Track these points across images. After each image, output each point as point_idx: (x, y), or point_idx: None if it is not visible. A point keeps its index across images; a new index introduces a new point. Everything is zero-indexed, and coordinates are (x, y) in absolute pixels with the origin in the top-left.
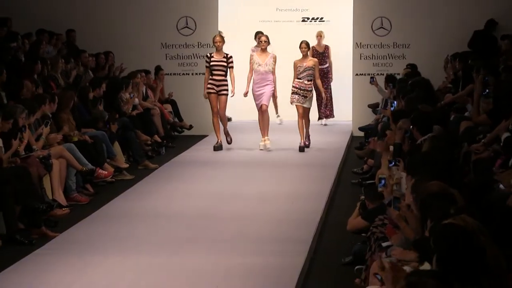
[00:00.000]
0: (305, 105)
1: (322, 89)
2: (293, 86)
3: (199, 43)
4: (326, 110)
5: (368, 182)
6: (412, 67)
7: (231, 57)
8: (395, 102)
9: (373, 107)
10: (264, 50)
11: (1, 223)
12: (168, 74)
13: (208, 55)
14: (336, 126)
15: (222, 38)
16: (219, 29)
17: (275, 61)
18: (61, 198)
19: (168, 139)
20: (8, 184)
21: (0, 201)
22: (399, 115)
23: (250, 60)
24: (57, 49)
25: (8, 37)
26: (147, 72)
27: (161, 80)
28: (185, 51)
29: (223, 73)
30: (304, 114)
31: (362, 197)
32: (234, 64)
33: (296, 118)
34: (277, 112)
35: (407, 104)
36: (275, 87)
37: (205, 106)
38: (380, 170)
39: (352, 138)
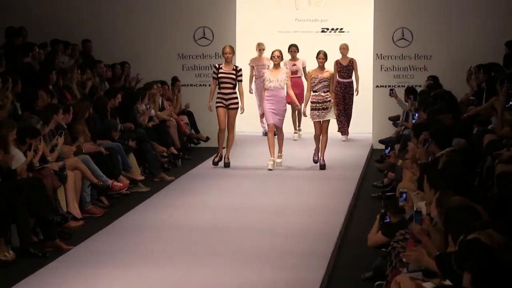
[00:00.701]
0: (326, 118)
1: (334, 105)
2: (311, 102)
3: (217, 54)
4: (343, 125)
5: (388, 194)
6: (434, 79)
7: (240, 69)
8: (417, 114)
9: (394, 119)
10: (277, 65)
11: (15, 235)
12: (184, 85)
13: (217, 66)
14: (356, 139)
15: (232, 49)
16: (237, 39)
17: (289, 77)
18: (75, 211)
19: (185, 151)
20: (22, 195)
21: (13, 213)
22: (420, 129)
23: (263, 78)
24: (73, 59)
25: (24, 47)
26: (163, 83)
27: (178, 91)
28: (202, 61)
29: (232, 85)
30: (323, 129)
31: (383, 210)
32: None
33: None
34: (297, 127)
35: (429, 117)
36: (305, 102)
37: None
38: (401, 183)
39: (372, 150)
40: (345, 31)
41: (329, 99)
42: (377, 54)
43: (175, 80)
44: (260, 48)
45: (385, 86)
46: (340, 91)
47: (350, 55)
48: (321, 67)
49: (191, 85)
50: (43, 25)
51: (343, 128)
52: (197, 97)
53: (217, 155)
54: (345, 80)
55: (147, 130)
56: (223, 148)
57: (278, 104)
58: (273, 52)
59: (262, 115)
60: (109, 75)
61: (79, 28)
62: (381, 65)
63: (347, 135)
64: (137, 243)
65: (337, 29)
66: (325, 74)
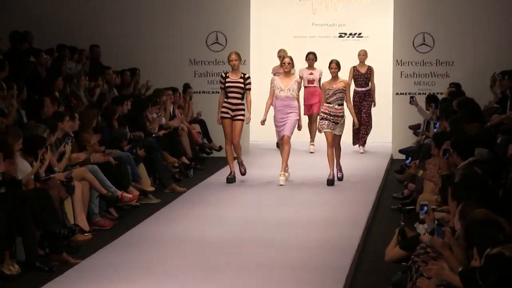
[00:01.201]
0: (335, 132)
1: (354, 115)
2: (321, 112)
3: None
4: (361, 136)
5: (408, 207)
6: (456, 86)
7: (248, 77)
8: (438, 123)
9: (414, 128)
10: (287, 73)
11: (20, 248)
12: (196, 92)
13: (223, 74)
14: (375, 148)
15: (239, 56)
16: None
17: (299, 87)
18: (83, 223)
19: (197, 161)
20: (28, 207)
21: (19, 226)
22: (441, 138)
23: (271, 84)
24: (81, 65)
25: (30, 52)
26: (174, 90)
27: (189, 99)
28: (215, 68)
29: (240, 95)
30: (334, 142)
31: (402, 223)
32: (265, 85)
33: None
34: (312, 140)
35: (451, 126)
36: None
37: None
38: (422, 195)
39: (392, 161)
40: (364, 36)
41: (341, 114)
42: (397, 60)
43: (186, 87)
44: (282, 55)
45: (405, 94)
46: (357, 101)
47: (369, 61)
48: (334, 78)
49: (203, 92)
50: (48, 29)
51: (360, 139)
52: (210, 105)
53: (230, 173)
54: (362, 89)
55: (157, 139)
56: (234, 159)
57: (290, 114)
58: (283, 59)
59: None
60: (118, 82)
61: (86, 33)
62: (401, 72)
63: (364, 146)
64: (147, 257)
65: (355, 34)
66: (339, 85)
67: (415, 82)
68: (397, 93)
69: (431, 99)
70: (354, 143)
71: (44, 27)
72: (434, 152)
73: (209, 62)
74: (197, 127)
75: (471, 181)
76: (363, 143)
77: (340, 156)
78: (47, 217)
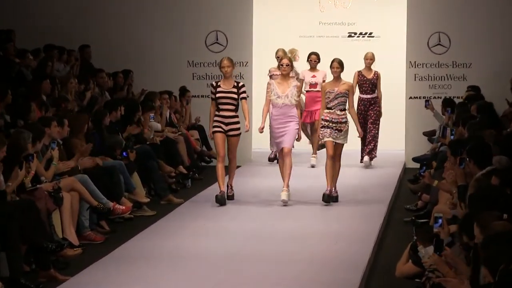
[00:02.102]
0: (338, 141)
1: (357, 123)
2: (322, 119)
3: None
4: (367, 148)
5: (421, 221)
6: (474, 89)
7: (243, 85)
8: (454, 129)
9: (429, 135)
10: (285, 76)
11: (4, 264)
12: (195, 96)
13: (214, 84)
14: (387, 156)
15: (231, 62)
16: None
17: (299, 91)
18: (72, 237)
19: (195, 170)
20: (13, 220)
21: (3, 240)
22: (457, 146)
23: (267, 89)
24: (69, 66)
25: (15, 55)
26: (169, 93)
27: (187, 103)
28: (215, 70)
29: (233, 107)
30: (336, 154)
31: (415, 237)
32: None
33: None
34: (314, 152)
35: (469, 132)
36: (319, 124)
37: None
38: (437, 207)
39: (405, 170)
40: (375, 35)
41: (345, 120)
42: (410, 62)
43: (184, 90)
44: (281, 55)
45: (419, 98)
46: (362, 109)
47: (380, 63)
48: (337, 79)
49: (202, 96)
50: (34, 27)
51: (368, 151)
52: (209, 110)
53: (220, 192)
54: (368, 96)
55: (152, 146)
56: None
57: (289, 124)
58: (280, 60)
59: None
60: (110, 85)
61: (76, 32)
62: (415, 74)
63: (372, 158)
64: (141, 274)
65: (365, 33)
66: (342, 87)
67: (429, 85)
68: (410, 97)
69: (447, 103)
70: (362, 160)
71: (29, 25)
72: (450, 160)
73: (208, 64)
74: (195, 134)
75: (486, 193)
76: (370, 158)
77: (339, 172)
78: (33, 230)
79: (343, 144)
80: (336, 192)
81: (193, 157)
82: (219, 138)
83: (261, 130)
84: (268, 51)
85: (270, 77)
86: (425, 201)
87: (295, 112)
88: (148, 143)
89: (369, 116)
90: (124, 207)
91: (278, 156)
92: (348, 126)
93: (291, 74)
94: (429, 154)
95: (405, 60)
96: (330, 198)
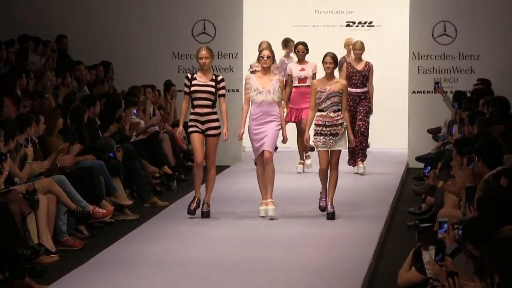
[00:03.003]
0: (335, 148)
1: (350, 130)
2: (315, 125)
3: (220, 53)
4: (356, 153)
5: (424, 225)
6: (483, 83)
7: (222, 80)
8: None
9: (434, 132)
10: (266, 70)
11: None
12: (180, 90)
13: (189, 76)
14: (388, 156)
15: (210, 52)
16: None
17: (282, 86)
18: (49, 243)
19: (181, 170)
20: None
21: None
22: (464, 144)
23: (245, 85)
24: (45, 58)
25: None
26: (153, 87)
27: (171, 98)
28: None
29: (210, 103)
30: (333, 163)
31: (418, 243)
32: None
33: None
34: (302, 158)
35: (479, 129)
36: (308, 125)
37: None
38: (443, 210)
39: (408, 170)
40: (375, 25)
41: (340, 121)
42: (413, 53)
43: (169, 84)
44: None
45: (424, 92)
46: (350, 105)
47: (380, 54)
48: (329, 76)
49: None
50: (7, 16)
51: (356, 156)
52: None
53: (193, 200)
54: (357, 90)
55: (135, 145)
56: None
57: (269, 124)
58: (261, 51)
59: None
60: (89, 79)
61: (52, 22)
62: (418, 67)
63: (362, 165)
64: (123, 282)
65: (365, 22)
66: (335, 86)
67: (434, 78)
68: (413, 92)
69: (457, 97)
70: (349, 163)
71: (1, 14)
72: (456, 160)
73: (195, 56)
74: (181, 132)
75: (495, 195)
76: (361, 159)
77: (336, 183)
78: (6, 236)
79: (340, 151)
80: (332, 208)
81: (179, 156)
82: (196, 140)
83: (241, 136)
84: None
85: (252, 73)
86: (429, 204)
87: (277, 110)
88: (131, 141)
89: (358, 113)
90: (104, 211)
91: (257, 163)
92: (345, 129)
93: (273, 70)
94: (434, 153)
95: (407, 51)
96: (332, 215)
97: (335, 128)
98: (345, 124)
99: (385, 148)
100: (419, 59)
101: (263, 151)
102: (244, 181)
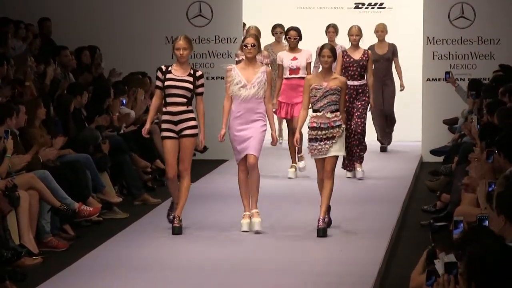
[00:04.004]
0: (331, 154)
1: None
2: (309, 127)
3: (217, 37)
4: (356, 151)
5: (439, 224)
6: (504, 70)
7: (201, 76)
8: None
9: (450, 123)
10: (251, 60)
11: None
12: None
13: (163, 68)
14: (401, 149)
15: (189, 42)
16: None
17: (269, 79)
18: (31, 243)
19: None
20: None
21: None
22: (490, 133)
23: (226, 78)
24: (27, 43)
25: None
26: (143, 75)
27: None
28: (198, 47)
29: (186, 100)
30: (327, 170)
31: (433, 243)
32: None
33: None
34: (293, 161)
35: (499, 120)
36: (299, 126)
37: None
38: (459, 208)
39: (422, 164)
40: (386, 7)
41: (338, 123)
42: (428, 38)
43: None
44: (278, 31)
45: (439, 80)
46: (347, 99)
47: (392, 39)
48: (327, 71)
49: None
50: None
51: (349, 158)
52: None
53: (172, 210)
54: (354, 83)
55: (125, 137)
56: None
57: (254, 123)
58: (244, 39)
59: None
60: (74, 65)
61: (34, 3)
62: (433, 52)
63: (361, 168)
64: (112, 286)
65: (375, 4)
66: (333, 83)
67: (451, 65)
68: (428, 79)
69: (473, 85)
70: (344, 166)
71: None
72: (480, 150)
73: (172, 46)
74: None
75: None
76: (360, 161)
77: (330, 194)
78: None
79: (336, 157)
80: (324, 223)
81: None
82: (169, 149)
83: (222, 137)
84: (260, 26)
85: (237, 63)
86: (445, 202)
87: (263, 108)
88: (120, 133)
89: (356, 109)
90: (91, 209)
91: (239, 168)
92: (343, 131)
93: (262, 60)
94: (450, 146)
95: (422, 35)
96: (323, 230)
97: (331, 131)
98: (343, 126)
99: (396, 140)
100: (434, 44)
101: (246, 155)
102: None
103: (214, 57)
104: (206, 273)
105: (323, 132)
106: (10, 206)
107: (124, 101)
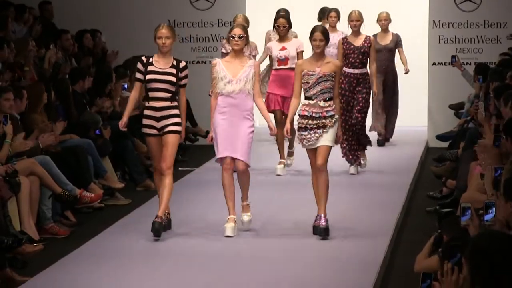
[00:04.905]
0: (322, 143)
1: (339, 124)
2: (300, 116)
3: (220, 21)
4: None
5: (445, 210)
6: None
7: (185, 67)
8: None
9: (457, 108)
10: (238, 52)
11: None
12: None
13: (143, 59)
14: (406, 134)
15: (172, 31)
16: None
17: (257, 74)
18: (32, 230)
19: (178, 150)
20: None
21: None
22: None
23: (211, 74)
24: (27, 27)
25: None
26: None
27: None
28: (201, 31)
29: (170, 95)
30: (322, 162)
31: (439, 230)
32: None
33: None
34: (282, 156)
35: (506, 104)
36: (290, 117)
37: None
38: (466, 194)
39: (428, 150)
40: None
41: (331, 113)
42: (434, 21)
43: None
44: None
45: (444, 64)
46: (346, 89)
47: (397, 22)
48: (319, 56)
49: (186, 61)
50: None
51: (352, 153)
52: (194, 79)
53: (156, 216)
54: (355, 71)
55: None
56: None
57: (241, 125)
58: (231, 29)
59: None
60: (75, 49)
61: None
62: (439, 36)
63: (361, 163)
64: (113, 274)
65: None
66: (326, 68)
67: (457, 48)
68: (434, 63)
69: (480, 69)
70: (348, 160)
71: None
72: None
73: (193, 24)
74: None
75: None
76: (356, 159)
77: (327, 190)
78: None
79: (329, 147)
80: (326, 222)
81: None
82: (152, 143)
83: (211, 139)
84: (265, 9)
85: (225, 54)
86: (451, 188)
87: (251, 105)
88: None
89: (356, 101)
90: (93, 195)
91: (223, 167)
92: (335, 122)
93: (251, 52)
94: (456, 131)
95: (427, 18)
96: (324, 230)
97: (323, 120)
98: (336, 116)
99: (402, 126)
100: (440, 27)
101: (233, 158)
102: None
103: (217, 40)
104: (208, 260)
105: (314, 121)
106: (10, 192)
107: (126, 86)
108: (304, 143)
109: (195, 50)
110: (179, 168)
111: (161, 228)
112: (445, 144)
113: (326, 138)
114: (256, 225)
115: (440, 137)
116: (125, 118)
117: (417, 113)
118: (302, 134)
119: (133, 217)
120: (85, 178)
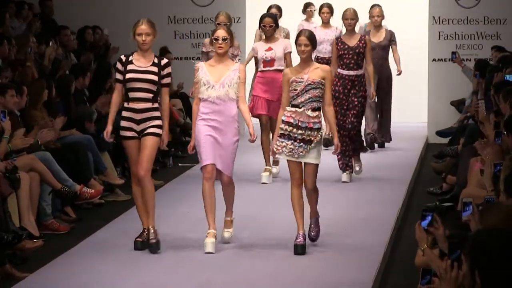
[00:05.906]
0: (307, 160)
1: (334, 129)
2: (284, 122)
3: None
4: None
5: (446, 204)
6: (500, 50)
7: (167, 64)
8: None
9: (457, 104)
10: (222, 55)
11: None
12: (177, 58)
13: (123, 58)
14: (406, 130)
15: (152, 27)
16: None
17: (243, 78)
18: (31, 226)
19: (177, 146)
20: None
21: None
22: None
23: (194, 78)
24: (27, 23)
25: None
26: None
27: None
28: (201, 27)
29: (151, 95)
30: (311, 183)
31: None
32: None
33: None
34: (268, 163)
35: (505, 100)
36: (277, 129)
37: None
38: (466, 190)
39: (428, 146)
40: None
41: (318, 126)
42: (433, 17)
43: (164, 51)
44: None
45: (445, 60)
46: (340, 92)
47: (397, 19)
48: (306, 61)
49: (186, 58)
50: None
51: (347, 160)
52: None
53: (142, 232)
54: (350, 73)
55: None
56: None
57: (223, 131)
58: (214, 31)
59: None
60: (75, 46)
61: None
62: (439, 32)
63: (357, 170)
64: (112, 270)
65: None
66: (315, 74)
67: (457, 45)
68: (434, 59)
69: (479, 66)
70: (341, 167)
71: None
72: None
73: (193, 20)
74: (177, 103)
75: None
76: (356, 163)
77: (317, 201)
78: None
79: (317, 166)
80: (317, 228)
81: (175, 131)
82: (131, 147)
83: (192, 150)
84: (266, 4)
85: (206, 55)
86: (451, 183)
87: (235, 111)
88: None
89: (352, 105)
90: (93, 191)
91: (204, 176)
92: (321, 136)
93: (233, 52)
94: (456, 127)
95: (427, 15)
96: (302, 247)
97: (309, 133)
98: (322, 131)
99: (402, 122)
100: (439, 23)
101: (221, 173)
102: (241, 157)
103: None
104: (207, 256)
105: (299, 131)
106: (10, 188)
107: None
108: (284, 151)
109: (195, 46)
110: (179, 164)
111: (158, 244)
112: (445, 140)
113: (313, 156)
114: (256, 225)
115: (440, 133)
116: (109, 127)
117: (417, 109)
118: (283, 142)
119: (133, 213)
120: (85, 174)
